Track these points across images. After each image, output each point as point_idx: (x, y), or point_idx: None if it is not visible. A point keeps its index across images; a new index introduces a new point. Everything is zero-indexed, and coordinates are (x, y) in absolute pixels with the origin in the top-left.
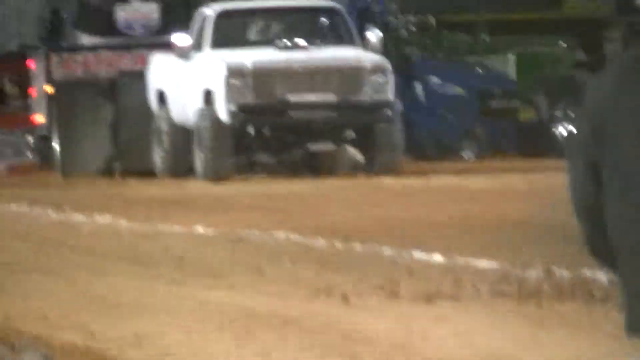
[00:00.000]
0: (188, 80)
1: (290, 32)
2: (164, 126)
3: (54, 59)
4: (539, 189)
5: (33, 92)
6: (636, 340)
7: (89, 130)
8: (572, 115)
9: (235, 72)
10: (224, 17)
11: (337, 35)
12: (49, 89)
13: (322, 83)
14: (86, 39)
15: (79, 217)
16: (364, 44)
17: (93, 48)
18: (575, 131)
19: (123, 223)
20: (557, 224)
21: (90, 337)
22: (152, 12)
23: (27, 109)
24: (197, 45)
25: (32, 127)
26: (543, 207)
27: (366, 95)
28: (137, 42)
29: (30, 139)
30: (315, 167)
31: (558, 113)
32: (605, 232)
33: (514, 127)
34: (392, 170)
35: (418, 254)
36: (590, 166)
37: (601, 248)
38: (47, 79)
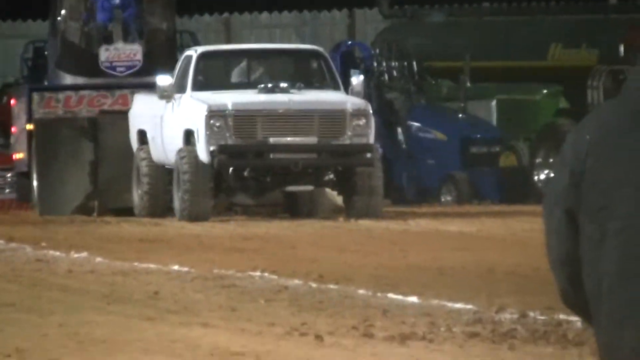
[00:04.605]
0: (169, 121)
1: (273, 75)
2: (143, 166)
3: (36, 97)
4: (517, 235)
5: (14, 130)
6: None
7: (68, 169)
8: (552, 162)
9: (216, 113)
10: (206, 58)
11: (319, 78)
12: (30, 127)
13: (303, 126)
14: (69, 79)
15: (55, 254)
16: (347, 88)
17: (75, 87)
18: (553, 178)
19: (99, 260)
20: (534, 270)
21: None
22: (136, 53)
23: (7, 147)
24: (180, 87)
25: (11, 165)
26: (521, 254)
27: (347, 138)
28: (120, 83)
29: (9, 175)
30: (294, 209)
31: (539, 160)
32: (581, 283)
33: (495, 173)
34: (371, 213)
35: (393, 296)
36: (567, 214)
37: (576, 299)
38: (28, 117)
